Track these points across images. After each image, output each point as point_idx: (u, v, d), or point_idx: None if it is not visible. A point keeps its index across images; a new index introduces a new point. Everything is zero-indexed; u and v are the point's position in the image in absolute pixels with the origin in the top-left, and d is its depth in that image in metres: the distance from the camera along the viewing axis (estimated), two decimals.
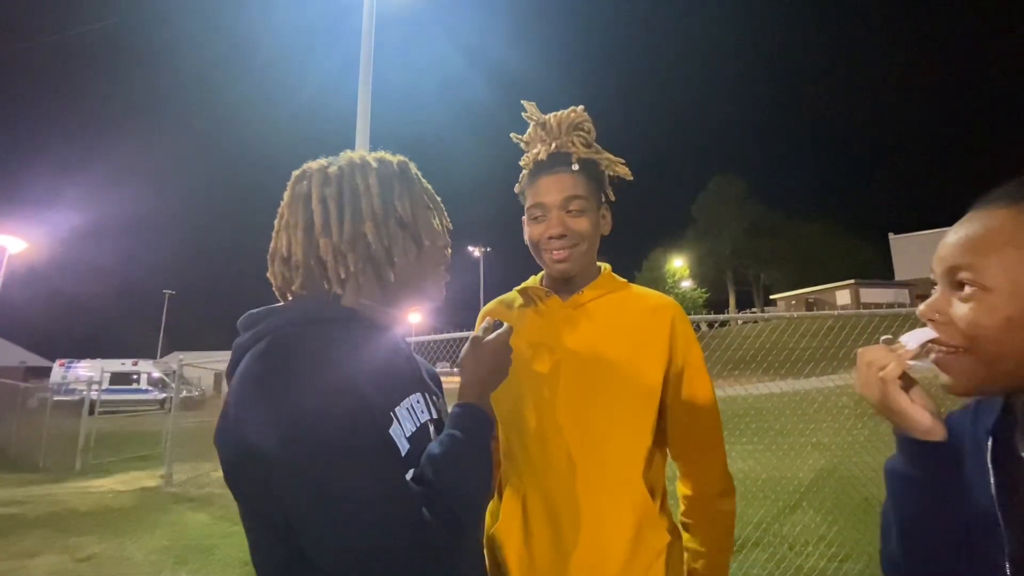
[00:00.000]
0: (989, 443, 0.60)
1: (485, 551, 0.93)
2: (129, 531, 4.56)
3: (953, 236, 0.59)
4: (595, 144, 1.03)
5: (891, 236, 34.61)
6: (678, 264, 45.64)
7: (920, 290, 30.31)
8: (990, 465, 0.59)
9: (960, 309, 0.57)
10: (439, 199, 0.85)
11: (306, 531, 0.58)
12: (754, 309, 42.63)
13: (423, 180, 0.83)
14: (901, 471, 0.62)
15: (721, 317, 3.93)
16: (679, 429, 0.96)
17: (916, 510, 0.60)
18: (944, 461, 0.60)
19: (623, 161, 1.05)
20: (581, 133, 1.01)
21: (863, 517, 3.83)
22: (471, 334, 0.84)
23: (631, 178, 1.06)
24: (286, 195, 0.77)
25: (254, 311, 0.73)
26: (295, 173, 0.78)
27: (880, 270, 36.26)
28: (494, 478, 0.75)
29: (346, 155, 0.79)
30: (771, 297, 41.17)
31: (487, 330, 0.82)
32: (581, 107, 1.02)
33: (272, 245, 0.77)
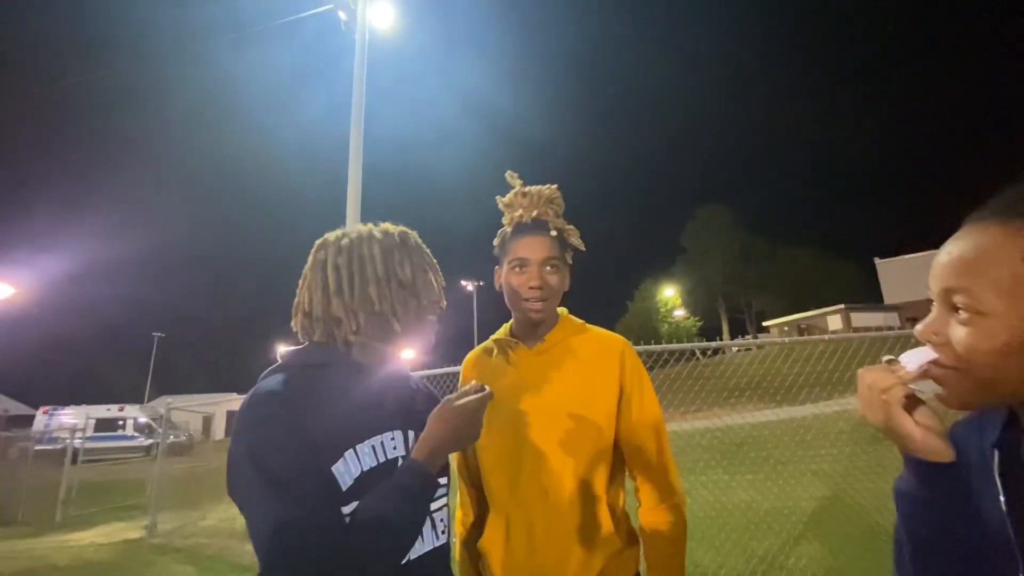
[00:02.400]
0: (996, 457, 0.59)
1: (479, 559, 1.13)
2: None
3: (946, 255, 0.58)
4: (562, 217, 1.22)
5: (877, 260, 35.18)
6: (669, 294, 45.91)
7: (909, 313, 30.65)
8: (998, 479, 0.58)
9: (957, 332, 0.57)
10: (435, 261, 1.00)
11: (254, 539, 0.72)
12: (748, 336, 42.74)
13: (422, 246, 0.98)
14: (911, 492, 0.60)
15: (713, 344, 3.93)
16: (627, 448, 1.12)
17: (928, 531, 0.58)
18: (954, 481, 0.58)
19: (578, 233, 1.24)
20: (554, 206, 1.20)
21: (869, 546, 3.75)
22: (457, 368, 0.93)
23: (583, 249, 1.24)
24: (309, 260, 0.93)
25: (291, 350, 0.90)
26: (317, 243, 0.94)
27: (868, 294, 36.71)
28: (416, 528, 0.79)
29: (357, 228, 0.95)
30: (764, 324, 41.38)
31: (465, 393, 0.85)
32: (555, 185, 1.22)
33: (296, 300, 0.92)
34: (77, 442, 9.30)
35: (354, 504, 0.76)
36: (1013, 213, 0.54)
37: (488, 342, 1.28)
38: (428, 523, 0.88)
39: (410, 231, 0.98)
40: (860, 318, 31.40)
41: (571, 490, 1.06)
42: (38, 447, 10.32)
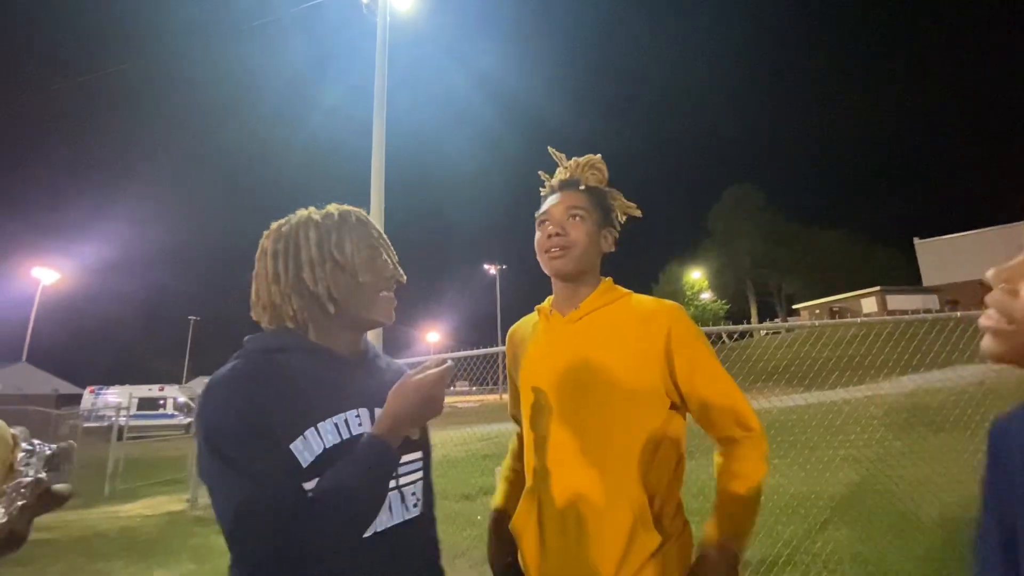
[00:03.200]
0: None
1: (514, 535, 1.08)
2: (156, 555, 4.62)
3: None
4: (607, 185, 1.19)
5: (916, 241, 33.78)
6: (696, 276, 45.13)
7: (949, 295, 29.40)
8: None
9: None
10: (385, 238, 0.99)
11: (217, 514, 0.76)
12: (776, 320, 41.80)
13: (367, 223, 0.97)
14: None
15: (740, 328, 3.86)
16: (705, 421, 1.04)
17: None
18: None
19: (635, 205, 1.21)
20: (595, 172, 1.17)
21: (899, 533, 3.68)
22: (488, 351, 0.92)
23: (638, 215, 1.22)
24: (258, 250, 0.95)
25: (252, 336, 0.91)
26: (264, 232, 0.96)
27: (906, 277, 35.33)
28: (378, 496, 0.81)
29: (299, 213, 0.96)
30: (794, 307, 40.36)
31: (424, 368, 0.87)
32: (599, 155, 1.19)
33: (252, 289, 0.94)
34: (122, 420, 9.79)
35: (316, 480, 0.78)
36: None
37: (532, 313, 1.24)
38: (398, 497, 0.88)
39: (355, 210, 0.97)
40: (897, 301, 30.29)
41: (604, 475, 0.96)
42: (86, 424, 10.90)
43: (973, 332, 3.83)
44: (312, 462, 0.79)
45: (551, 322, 1.14)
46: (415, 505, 0.91)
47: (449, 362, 0.88)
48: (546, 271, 1.14)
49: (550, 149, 1.23)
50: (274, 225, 0.95)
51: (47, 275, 35.59)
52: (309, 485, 0.78)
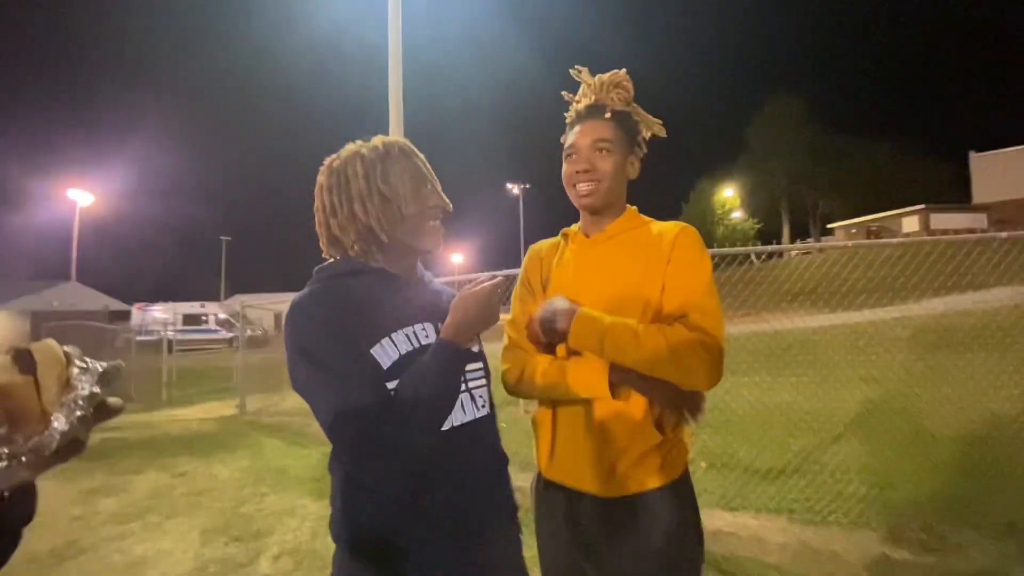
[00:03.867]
0: None
1: (533, 427, 1.16)
2: (214, 452, 5.14)
3: None
4: (633, 104, 1.16)
5: (972, 154, 31.35)
6: (728, 194, 43.39)
7: (999, 214, 27.72)
8: None
9: None
10: (429, 168, 1.03)
11: (316, 417, 0.87)
12: (809, 239, 40.48)
13: (409, 154, 1.01)
14: None
15: (768, 248, 3.78)
16: (672, 310, 1.02)
17: None
18: None
19: (660, 122, 1.18)
20: (620, 91, 1.15)
21: (911, 449, 3.78)
22: (508, 273, 0.96)
23: (662, 134, 1.19)
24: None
25: (322, 265, 1.01)
26: (320, 168, 1.02)
27: (957, 194, 33.21)
28: (449, 398, 0.91)
29: (348, 147, 1.01)
30: (828, 226, 38.83)
31: (480, 282, 0.96)
32: (623, 70, 1.16)
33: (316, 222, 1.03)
34: (171, 334, 10.49)
35: (396, 381, 0.88)
36: None
37: (557, 236, 1.27)
38: (468, 398, 0.98)
39: (399, 140, 1.01)
40: (941, 219, 28.76)
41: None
42: (138, 338, 11.71)
43: (1018, 253, 3.66)
44: (390, 367, 0.89)
45: (576, 244, 1.19)
46: (483, 406, 1.01)
47: (500, 278, 0.96)
48: (575, 204, 1.18)
49: (574, 68, 1.18)
50: (327, 161, 1.01)
51: (82, 197, 36.60)
52: (391, 385, 0.88)
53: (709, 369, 0.96)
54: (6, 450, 0.43)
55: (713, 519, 2.99)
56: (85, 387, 0.48)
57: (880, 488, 3.24)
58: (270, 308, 14.34)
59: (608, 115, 1.12)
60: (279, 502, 3.69)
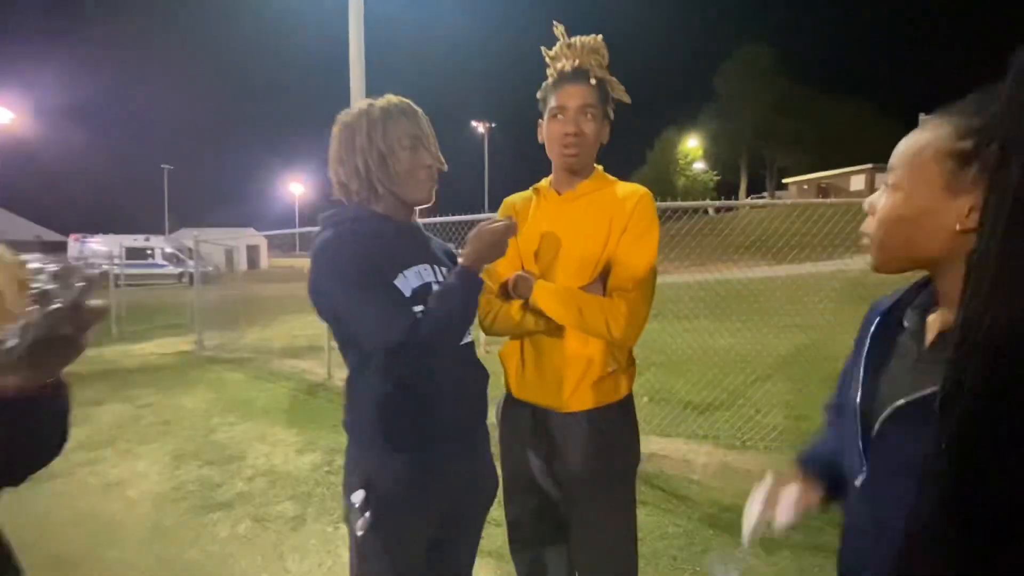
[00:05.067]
0: (876, 320, 0.76)
1: (502, 356, 1.34)
2: (177, 385, 5.19)
3: (901, 145, 0.68)
4: (606, 68, 1.26)
5: (922, 117, 32.50)
6: (692, 144, 43.67)
7: None
8: (868, 338, 0.75)
9: (879, 200, 0.69)
10: (427, 129, 1.15)
11: (354, 333, 1.05)
12: (764, 193, 41.71)
13: (415, 116, 1.13)
14: None
15: (694, 205, 4.06)
16: (611, 274, 1.22)
17: None
18: None
19: (624, 88, 1.29)
20: (598, 56, 1.24)
21: (827, 386, 4.28)
22: (474, 217, 1.11)
23: (628, 101, 1.30)
24: None
25: (326, 212, 1.15)
26: (335, 118, 1.15)
27: None
28: (469, 315, 1.08)
29: (359, 104, 1.13)
30: (783, 181, 40.06)
31: (495, 221, 1.09)
32: (600, 36, 1.25)
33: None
34: (116, 268, 10.04)
35: (416, 307, 1.05)
36: (943, 115, 0.65)
37: (528, 190, 1.39)
38: None
39: (404, 102, 1.13)
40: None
41: None
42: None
43: None
44: (409, 296, 1.07)
45: (548, 200, 1.32)
46: (469, 334, 1.19)
47: (512, 219, 1.12)
48: (555, 162, 1.29)
49: (554, 25, 1.26)
50: (340, 114, 1.14)
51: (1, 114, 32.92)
52: (416, 309, 1.03)
53: (628, 333, 1.18)
54: None
55: (649, 444, 3.38)
56: (44, 283, 0.49)
57: (796, 419, 3.72)
58: (221, 243, 13.84)
59: (593, 81, 1.22)
60: (249, 430, 3.86)
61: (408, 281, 1.09)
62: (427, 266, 1.14)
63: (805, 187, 35.81)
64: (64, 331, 0.51)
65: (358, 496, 1.06)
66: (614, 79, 1.27)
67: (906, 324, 0.74)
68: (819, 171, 35.71)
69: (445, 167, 1.18)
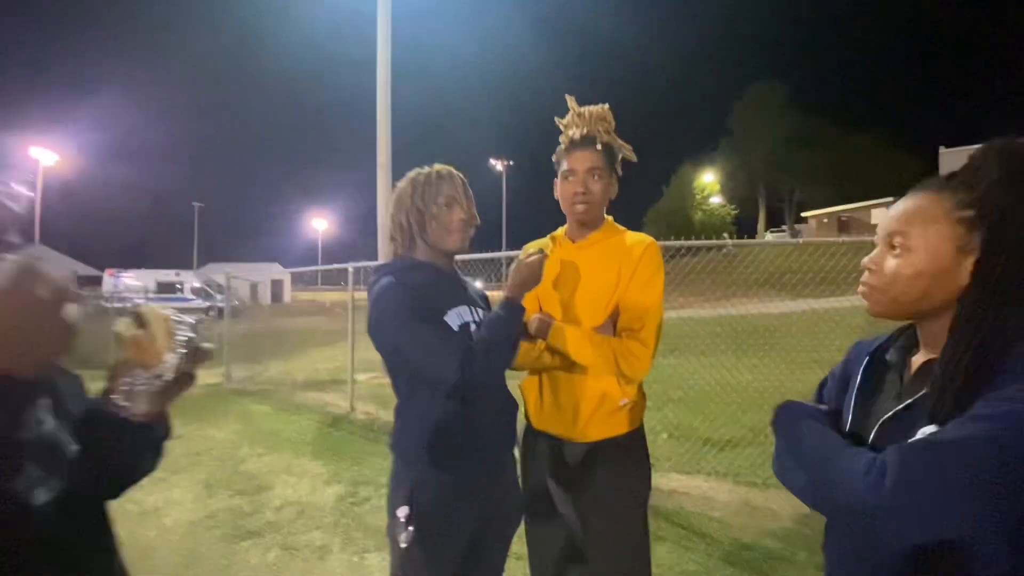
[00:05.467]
0: (866, 360, 0.86)
1: (522, 389, 1.47)
2: (206, 417, 5.35)
3: (894, 211, 0.78)
4: (613, 133, 1.44)
5: (941, 150, 32.42)
6: (708, 179, 43.97)
7: None
8: (860, 374, 0.85)
9: (889, 263, 0.77)
10: (462, 191, 1.34)
11: (414, 364, 1.20)
12: (784, 227, 41.48)
13: (453, 181, 1.33)
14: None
15: (703, 244, 4.13)
16: (620, 317, 1.36)
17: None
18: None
19: (630, 147, 1.47)
20: (604, 123, 1.42)
21: None
22: (494, 255, 1.29)
23: (635, 160, 1.48)
24: None
25: (381, 264, 1.36)
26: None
27: None
28: (516, 341, 1.23)
29: (409, 174, 1.35)
30: (803, 215, 39.87)
31: (531, 255, 1.27)
32: (607, 104, 1.44)
33: None
34: (147, 302, 10.41)
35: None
36: (939, 187, 0.76)
37: (547, 237, 1.56)
38: None
39: (445, 170, 1.34)
40: None
41: None
42: (109, 305, 11.61)
43: None
44: (456, 332, 1.25)
45: (564, 248, 1.48)
46: None
47: (544, 251, 1.29)
48: (568, 216, 1.47)
49: (567, 97, 1.44)
50: (399, 182, 1.38)
51: (46, 156, 34.95)
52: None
53: (637, 369, 1.32)
54: (140, 381, 0.64)
55: (669, 481, 3.39)
56: (184, 335, 0.66)
57: None
58: (247, 279, 14.33)
59: (599, 147, 1.39)
60: (276, 461, 3.97)
61: (452, 320, 1.26)
62: (466, 307, 1.32)
63: (825, 220, 35.55)
64: (191, 369, 0.66)
65: (403, 511, 1.18)
66: (620, 141, 1.45)
67: (889, 359, 0.85)
68: (839, 202, 35.48)
69: (478, 221, 1.36)
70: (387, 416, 5.12)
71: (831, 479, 0.70)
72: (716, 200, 43.50)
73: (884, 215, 0.82)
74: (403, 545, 1.17)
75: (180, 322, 0.66)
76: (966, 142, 32.35)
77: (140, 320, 0.65)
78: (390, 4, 7.30)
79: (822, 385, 0.97)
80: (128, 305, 0.70)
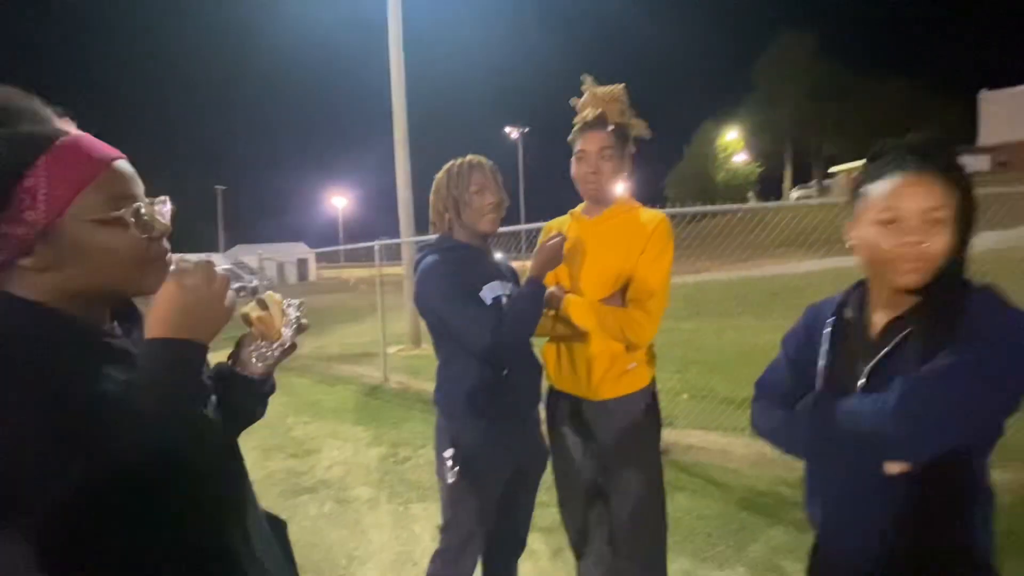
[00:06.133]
0: (832, 320, 0.97)
1: (544, 355, 1.62)
2: None
3: (917, 189, 0.82)
4: (627, 112, 1.51)
5: (982, 93, 30.65)
6: (732, 137, 42.55)
7: (1002, 156, 27.48)
8: (828, 337, 0.96)
9: (938, 237, 0.82)
10: (493, 177, 1.51)
11: (456, 334, 1.40)
12: (811, 183, 40.12)
13: (484, 168, 1.50)
14: None
15: (700, 209, 4.14)
16: (629, 288, 1.48)
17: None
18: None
19: (645, 123, 1.55)
20: (618, 104, 1.49)
21: None
22: (512, 229, 1.80)
23: (649, 136, 1.57)
24: None
25: (424, 243, 1.60)
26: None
27: (967, 134, 32.53)
28: (539, 313, 1.41)
29: (447, 164, 1.53)
30: (831, 170, 38.44)
31: (552, 238, 1.42)
32: (623, 84, 1.51)
33: None
34: None
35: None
36: (933, 168, 0.83)
37: (566, 215, 1.68)
38: None
39: (477, 160, 1.51)
40: None
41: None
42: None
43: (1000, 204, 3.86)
44: (490, 304, 1.46)
45: (580, 223, 1.60)
46: None
47: (562, 235, 1.43)
48: (582, 195, 1.58)
49: (583, 77, 1.53)
50: (437, 174, 1.56)
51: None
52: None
53: (641, 336, 1.45)
54: (267, 351, 0.83)
55: (688, 437, 3.58)
56: (293, 313, 0.84)
57: None
58: (275, 258, 14.82)
59: (611, 128, 1.47)
60: (322, 428, 4.31)
61: (486, 294, 1.47)
62: (498, 282, 1.51)
63: (854, 175, 34.15)
64: (296, 340, 0.86)
65: (449, 452, 1.40)
66: (634, 120, 1.53)
67: (847, 317, 0.97)
68: None
69: (508, 203, 1.53)
70: (418, 385, 5.42)
71: (850, 417, 0.84)
72: (740, 158, 42.18)
73: (905, 194, 0.84)
74: (450, 480, 1.39)
75: (290, 304, 0.85)
76: (1008, 84, 30.51)
77: (262, 303, 0.83)
78: None
79: (785, 349, 1.07)
80: (247, 287, 0.88)
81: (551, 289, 1.52)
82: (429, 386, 5.61)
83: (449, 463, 1.42)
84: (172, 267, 0.67)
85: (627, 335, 1.43)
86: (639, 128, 1.55)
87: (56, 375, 0.57)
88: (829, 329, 0.99)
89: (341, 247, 8.74)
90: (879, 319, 0.93)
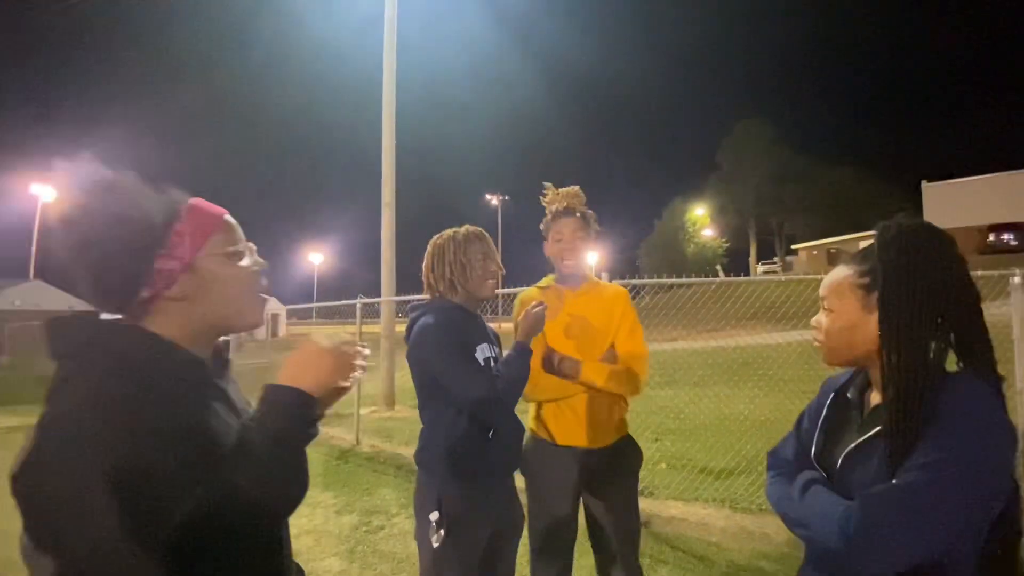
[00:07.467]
0: (831, 396, 1.04)
1: (543, 416, 1.78)
2: None
3: (824, 280, 0.98)
4: (584, 205, 1.85)
5: (924, 184, 33.46)
6: (700, 213, 44.91)
7: None
8: (825, 408, 1.02)
9: (824, 321, 0.97)
10: (492, 247, 1.64)
11: (452, 390, 1.45)
12: (776, 259, 42.18)
13: (485, 239, 1.63)
14: None
15: (674, 281, 4.40)
16: (622, 357, 1.78)
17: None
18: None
19: (595, 218, 1.87)
20: (578, 199, 1.83)
21: None
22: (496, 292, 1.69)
23: (599, 230, 1.90)
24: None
25: (420, 303, 1.65)
26: (430, 241, 1.67)
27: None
28: (526, 376, 1.53)
29: (446, 232, 1.65)
30: (792, 247, 40.61)
31: (536, 306, 1.56)
32: (577, 187, 1.84)
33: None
34: None
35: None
36: (848, 261, 0.98)
37: (533, 288, 1.92)
38: None
39: (477, 231, 1.64)
40: None
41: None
42: None
43: None
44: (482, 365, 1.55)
45: (564, 295, 1.84)
46: None
47: (544, 305, 1.58)
48: (557, 269, 1.86)
49: (545, 184, 1.86)
50: (435, 238, 1.66)
51: (45, 192, 35.23)
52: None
53: (634, 389, 1.77)
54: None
55: (668, 508, 3.54)
56: (359, 360, 0.83)
57: None
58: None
59: (579, 215, 1.80)
60: None
61: (478, 355, 1.55)
62: (487, 344, 1.61)
63: (815, 252, 36.23)
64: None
65: (434, 516, 1.39)
66: (591, 212, 1.85)
67: (850, 396, 1.02)
68: (828, 235, 36.23)
69: (504, 271, 1.66)
70: (392, 448, 5.24)
71: (816, 523, 0.87)
72: (708, 233, 44.28)
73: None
74: (435, 545, 1.37)
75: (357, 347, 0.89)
76: (948, 176, 33.49)
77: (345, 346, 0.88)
78: (395, 42, 7.76)
79: (800, 420, 1.12)
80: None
81: (564, 357, 1.72)
82: (403, 450, 5.47)
83: (434, 525, 1.41)
84: (324, 337, 0.78)
85: (637, 387, 1.75)
86: (593, 220, 1.86)
87: (188, 408, 0.68)
88: (828, 404, 1.04)
89: (314, 304, 8.66)
90: (872, 399, 0.98)
